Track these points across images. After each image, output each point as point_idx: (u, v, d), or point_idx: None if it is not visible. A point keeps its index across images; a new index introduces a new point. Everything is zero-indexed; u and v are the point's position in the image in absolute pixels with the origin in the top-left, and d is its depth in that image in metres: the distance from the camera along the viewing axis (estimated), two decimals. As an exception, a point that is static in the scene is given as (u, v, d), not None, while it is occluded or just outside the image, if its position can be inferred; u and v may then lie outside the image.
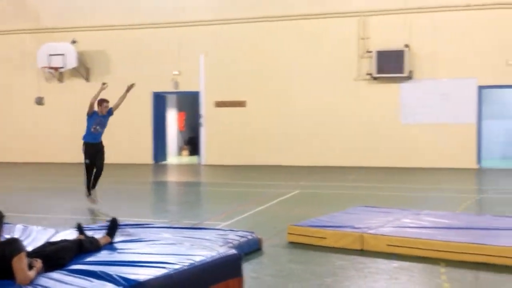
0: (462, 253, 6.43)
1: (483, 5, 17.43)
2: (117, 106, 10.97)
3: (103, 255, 5.19)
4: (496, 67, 17.36)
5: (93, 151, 10.66)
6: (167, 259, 4.85)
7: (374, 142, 18.29)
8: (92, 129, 10.60)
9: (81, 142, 10.86)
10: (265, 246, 7.16)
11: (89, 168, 10.66)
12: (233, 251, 5.29)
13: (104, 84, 10.69)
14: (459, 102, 17.74)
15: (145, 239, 5.90)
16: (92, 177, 10.65)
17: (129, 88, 11.01)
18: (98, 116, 10.66)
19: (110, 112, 10.84)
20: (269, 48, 19.17)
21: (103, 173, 10.82)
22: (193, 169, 19.43)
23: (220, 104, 19.69)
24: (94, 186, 10.67)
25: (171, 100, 22.87)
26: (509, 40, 17.21)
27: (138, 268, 4.64)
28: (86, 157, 10.68)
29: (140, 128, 20.32)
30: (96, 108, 10.69)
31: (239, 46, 19.41)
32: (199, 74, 19.80)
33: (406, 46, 17.75)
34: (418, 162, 17.77)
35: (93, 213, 10.19)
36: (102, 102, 10.71)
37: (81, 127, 20.23)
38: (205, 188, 14.88)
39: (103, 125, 10.75)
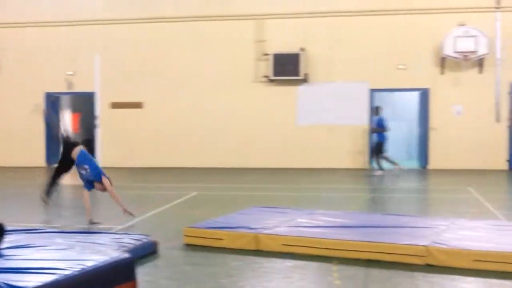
0: (354, 250, 6.63)
1: (375, 11, 18.07)
2: None
3: (-11, 263, 4.95)
4: (387, 71, 18.04)
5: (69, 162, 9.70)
6: (57, 264, 4.69)
7: (271, 144, 18.54)
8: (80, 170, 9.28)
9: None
10: (161, 249, 7.09)
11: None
12: (126, 254, 5.20)
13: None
14: (352, 104, 18.30)
15: (34, 245, 5.69)
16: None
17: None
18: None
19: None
20: (166, 49, 19.02)
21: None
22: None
23: (116, 105, 19.32)
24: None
25: (65, 101, 22.20)
26: (399, 45, 17.92)
27: (26, 275, 4.46)
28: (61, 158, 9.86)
29: (32, 130, 19.58)
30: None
31: (135, 46, 19.14)
32: (94, 75, 19.32)
33: (302, 49, 18.12)
34: (314, 163, 18.17)
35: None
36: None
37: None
38: (100, 192, 14.50)
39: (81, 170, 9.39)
